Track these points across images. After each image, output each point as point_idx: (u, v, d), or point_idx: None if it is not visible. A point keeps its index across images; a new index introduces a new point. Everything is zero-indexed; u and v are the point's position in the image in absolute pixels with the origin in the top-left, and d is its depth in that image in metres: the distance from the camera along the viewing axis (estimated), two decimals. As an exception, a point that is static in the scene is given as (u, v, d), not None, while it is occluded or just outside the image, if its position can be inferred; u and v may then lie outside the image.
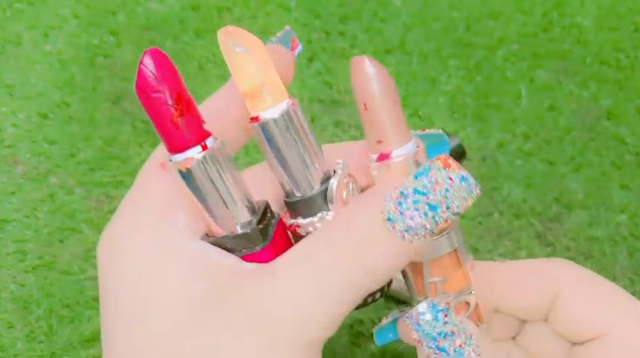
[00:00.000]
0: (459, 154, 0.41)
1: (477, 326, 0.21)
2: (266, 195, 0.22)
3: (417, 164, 0.19)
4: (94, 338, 0.37)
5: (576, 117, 0.45)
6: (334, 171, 0.20)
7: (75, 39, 0.47)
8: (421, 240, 0.18)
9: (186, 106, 0.18)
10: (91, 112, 0.44)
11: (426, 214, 0.17)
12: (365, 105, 0.19)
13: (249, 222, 0.20)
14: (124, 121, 0.44)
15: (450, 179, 0.17)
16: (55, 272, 0.39)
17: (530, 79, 0.46)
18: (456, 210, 0.17)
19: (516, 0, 0.49)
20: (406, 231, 0.17)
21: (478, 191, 0.18)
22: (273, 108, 0.19)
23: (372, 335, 0.38)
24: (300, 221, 0.20)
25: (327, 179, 0.20)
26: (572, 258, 0.40)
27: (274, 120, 0.19)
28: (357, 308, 0.20)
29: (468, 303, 0.21)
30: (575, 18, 0.48)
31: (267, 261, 0.19)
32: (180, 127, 0.18)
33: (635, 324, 0.20)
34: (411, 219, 0.17)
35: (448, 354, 0.19)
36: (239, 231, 0.20)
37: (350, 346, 0.37)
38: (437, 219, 0.17)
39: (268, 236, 0.20)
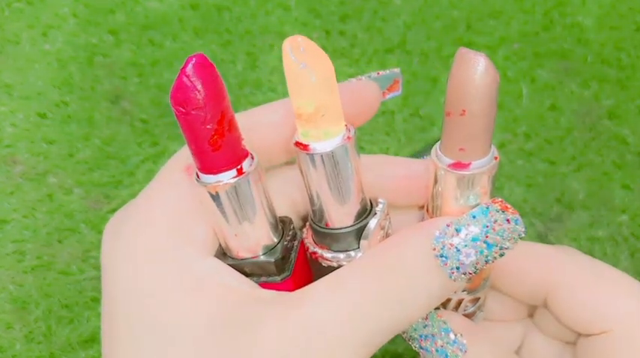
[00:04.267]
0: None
1: (476, 313, 0.22)
2: (287, 198, 0.20)
3: (492, 178, 0.18)
4: (93, 339, 0.37)
5: (577, 116, 0.44)
6: (372, 209, 0.19)
7: (74, 38, 0.46)
8: (463, 282, 0.17)
9: (227, 126, 0.15)
10: (90, 112, 0.44)
11: (481, 252, 0.17)
12: (464, 111, 0.17)
13: (273, 249, 0.18)
14: (123, 121, 0.43)
15: (507, 221, 0.17)
16: (53, 272, 0.39)
17: (532, 79, 0.46)
18: (505, 252, 0.17)
19: (517, -1, 0.49)
20: (457, 268, 0.17)
21: (524, 234, 0.18)
22: (324, 140, 0.17)
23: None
24: (325, 254, 0.19)
25: (362, 214, 0.18)
26: (573, 259, 0.40)
27: (324, 154, 0.17)
28: None
29: (478, 298, 0.21)
30: (576, 17, 0.48)
31: (284, 290, 0.18)
32: (219, 149, 0.16)
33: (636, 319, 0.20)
34: (467, 256, 0.17)
35: (431, 354, 0.19)
36: (261, 256, 0.18)
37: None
38: (489, 258, 0.17)
39: (290, 265, 0.18)
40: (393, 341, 0.25)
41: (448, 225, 0.17)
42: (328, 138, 0.17)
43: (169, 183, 0.19)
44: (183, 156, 0.19)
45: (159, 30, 0.47)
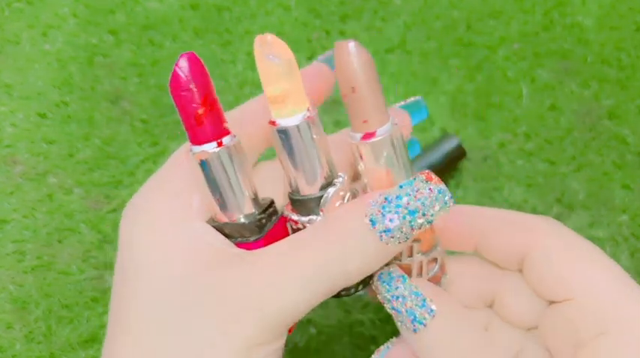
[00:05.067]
0: (458, 154, 0.41)
1: (441, 277, 0.24)
2: (278, 186, 0.24)
3: (402, 139, 0.21)
4: (93, 339, 0.37)
5: (577, 116, 0.44)
6: (340, 177, 0.22)
7: (74, 38, 0.46)
8: (396, 245, 0.20)
9: (210, 107, 0.20)
10: (90, 112, 0.44)
11: (404, 218, 0.19)
12: (353, 88, 0.20)
13: (251, 215, 0.22)
14: (123, 121, 0.43)
15: (430, 190, 0.20)
16: (53, 272, 0.39)
17: (532, 79, 0.46)
18: (430, 218, 0.20)
19: (517, -1, 0.49)
20: (385, 231, 0.19)
21: (452, 203, 0.20)
22: (291, 117, 0.21)
23: (372, 336, 0.38)
24: (294, 217, 0.22)
25: (326, 186, 0.22)
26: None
27: (289, 128, 0.21)
28: (334, 296, 0.22)
29: (435, 259, 0.23)
30: (576, 17, 0.48)
31: (256, 246, 0.22)
32: (202, 124, 0.20)
33: (604, 288, 0.21)
34: (391, 221, 0.19)
35: (401, 313, 0.21)
36: (239, 221, 0.22)
37: (350, 347, 0.37)
38: (413, 223, 0.19)
39: (264, 230, 0.22)
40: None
41: (380, 195, 0.20)
42: (294, 115, 0.21)
43: (175, 163, 0.23)
44: (185, 147, 0.23)
45: (159, 30, 0.47)
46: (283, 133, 0.21)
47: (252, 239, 0.22)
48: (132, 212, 0.22)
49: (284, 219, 0.23)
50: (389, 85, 0.45)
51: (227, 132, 0.21)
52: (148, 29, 0.47)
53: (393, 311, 0.22)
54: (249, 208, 0.22)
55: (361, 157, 0.21)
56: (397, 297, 0.21)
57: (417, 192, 0.20)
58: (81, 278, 0.39)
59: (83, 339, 0.37)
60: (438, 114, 0.44)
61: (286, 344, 0.21)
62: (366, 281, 0.23)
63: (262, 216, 0.22)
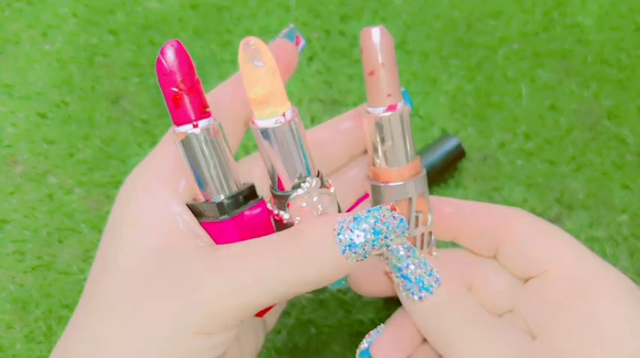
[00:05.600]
0: (458, 154, 0.41)
1: (432, 251, 0.27)
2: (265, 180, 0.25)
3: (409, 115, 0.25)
4: (93, 339, 0.37)
5: (577, 116, 0.44)
6: (308, 181, 0.24)
7: (74, 38, 0.46)
8: (354, 262, 0.21)
9: (189, 90, 0.22)
10: (90, 112, 0.44)
11: (369, 236, 0.21)
12: (383, 64, 0.23)
13: (225, 195, 0.23)
14: (123, 121, 0.43)
15: (394, 217, 0.22)
16: (54, 272, 0.39)
17: (531, 79, 0.46)
18: (388, 242, 0.22)
19: (517, -1, 0.49)
20: (349, 246, 0.21)
21: (407, 233, 0.23)
22: (272, 118, 0.22)
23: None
24: (271, 207, 0.24)
25: (299, 185, 0.23)
26: (573, 259, 0.40)
27: (269, 128, 0.22)
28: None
29: (430, 232, 0.26)
30: (576, 17, 0.48)
31: (227, 233, 0.23)
32: (182, 106, 0.22)
33: (574, 259, 0.24)
34: (357, 237, 0.21)
35: (410, 281, 0.23)
36: (212, 199, 0.23)
37: (350, 346, 0.37)
38: (375, 243, 0.21)
39: (233, 212, 0.23)
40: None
41: (349, 215, 0.22)
42: (273, 117, 0.22)
43: (162, 147, 0.24)
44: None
45: (159, 30, 0.47)
46: (264, 133, 0.22)
47: (219, 218, 0.23)
48: (123, 191, 0.24)
49: (265, 208, 0.24)
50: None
51: (207, 115, 0.22)
52: (148, 29, 0.47)
53: (402, 280, 0.24)
54: (225, 189, 0.23)
55: (381, 129, 0.24)
56: (407, 266, 0.23)
57: (383, 217, 0.22)
58: (81, 278, 0.39)
59: (83, 339, 0.37)
60: (438, 114, 0.44)
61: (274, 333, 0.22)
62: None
63: (236, 197, 0.23)
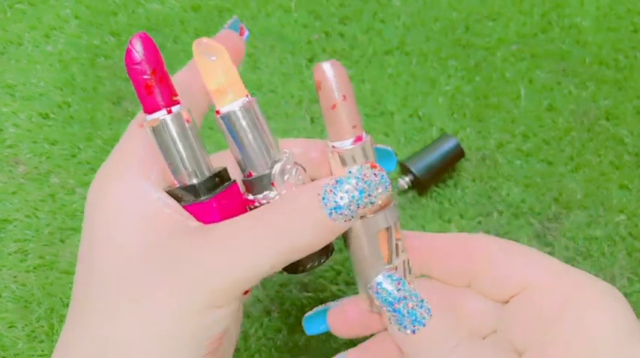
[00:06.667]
0: (457, 154, 0.41)
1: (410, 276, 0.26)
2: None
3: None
4: (95, 338, 0.37)
5: (575, 117, 0.45)
6: (285, 154, 0.24)
7: (76, 39, 0.47)
8: (342, 222, 0.22)
9: (159, 79, 0.23)
10: (92, 113, 0.44)
11: (352, 197, 0.22)
12: (344, 96, 0.22)
13: (201, 177, 0.24)
14: (125, 121, 0.44)
15: (375, 175, 0.22)
16: (56, 271, 0.39)
17: (530, 80, 0.46)
18: (373, 199, 0.22)
19: (515, 1, 0.49)
20: (334, 209, 0.22)
21: (390, 188, 0.23)
22: (233, 103, 0.23)
23: (371, 335, 0.38)
24: (250, 196, 0.24)
25: (273, 164, 0.24)
26: (571, 258, 0.40)
27: (233, 112, 0.23)
28: (292, 273, 0.25)
29: (408, 259, 0.26)
30: (574, 18, 0.48)
31: (210, 214, 0.23)
32: (153, 94, 0.23)
33: (554, 272, 0.23)
34: (341, 198, 0.22)
35: (403, 315, 0.23)
36: (191, 183, 0.23)
37: (349, 345, 0.37)
38: (359, 202, 0.22)
39: (213, 192, 0.24)
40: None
41: (331, 179, 0.22)
42: (234, 103, 0.23)
43: (131, 139, 0.24)
44: (139, 118, 0.25)
45: (160, 31, 0.47)
46: (227, 118, 0.23)
47: (200, 199, 0.23)
48: (96, 185, 0.24)
49: (239, 192, 0.25)
50: (388, 86, 0.45)
51: (177, 102, 0.23)
52: (150, 31, 0.47)
53: (395, 314, 0.23)
54: (200, 171, 0.24)
55: (353, 160, 0.23)
56: (399, 300, 0.23)
57: (364, 176, 0.22)
58: (83, 277, 0.39)
59: (85, 338, 0.37)
60: (437, 114, 0.44)
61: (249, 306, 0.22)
62: (319, 260, 0.25)
63: (212, 179, 0.24)
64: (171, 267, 0.21)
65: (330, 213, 0.22)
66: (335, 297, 0.38)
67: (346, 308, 0.26)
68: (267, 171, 0.24)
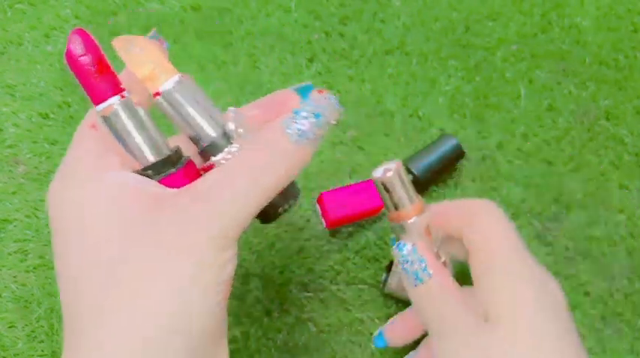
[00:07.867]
0: (457, 154, 0.41)
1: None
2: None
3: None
4: (95, 338, 0.37)
5: (575, 117, 0.45)
6: (230, 110, 0.26)
7: (76, 39, 0.47)
8: (309, 146, 0.24)
9: (104, 69, 0.24)
10: (92, 112, 0.44)
11: (312, 122, 0.25)
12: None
13: (164, 154, 0.24)
14: (125, 121, 0.44)
15: (325, 98, 0.25)
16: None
17: (530, 80, 0.46)
18: (330, 119, 0.25)
19: (515, 1, 0.49)
20: (299, 135, 0.24)
21: (341, 108, 0.26)
22: (168, 81, 0.24)
23: (371, 334, 0.38)
24: (213, 159, 0.25)
25: (223, 126, 0.25)
26: (571, 258, 0.40)
27: (171, 88, 0.24)
28: (267, 221, 0.28)
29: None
30: (574, 18, 0.48)
31: (182, 182, 0.24)
32: (101, 82, 0.23)
33: (491, 225, 0.29)
34: (302, 125, 0.24)
35: (408, 273, 0.28)
36: (156, 160, 0.24)
37: (349, 345, 0.37)
38: (319, 124, 0.25)
39: (180, 163, 0.25)
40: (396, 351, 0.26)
41: (289, 112, 0.25)
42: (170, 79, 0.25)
43: (84, 140, 0.25)
44: (88, 121, 0.26)
45: (160, 32, 0.47)
46: (166, 96, 0.24)
47: (174, 169, 0.24)
48: (58, 180, 0.25)
49: (197, 169, 0.26)
50: (388, 86, 0.45)
51: (123, 89, 0.24)
52: (150, 31, 0.47)
53: (404, 271, 0.28)
54: (160, 149, 0.24)
55: (386, 186, 0.27)
56: (407, 261, 0.28)
57: (316, 101, 0.25)
58: (83, 277, 0.39)
59: (85, 338, 0.37)
60: (437, 114, 0.44)
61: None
62: (289, 203, 0.28)
63: (173, 155, 0.25)
64: (161, 230, 0.22)
65: (297, 141, 0.24)
66: (335, 297, 0.39)
67: (395, 326, 0.34)
68: (220, 133, 0.25)
